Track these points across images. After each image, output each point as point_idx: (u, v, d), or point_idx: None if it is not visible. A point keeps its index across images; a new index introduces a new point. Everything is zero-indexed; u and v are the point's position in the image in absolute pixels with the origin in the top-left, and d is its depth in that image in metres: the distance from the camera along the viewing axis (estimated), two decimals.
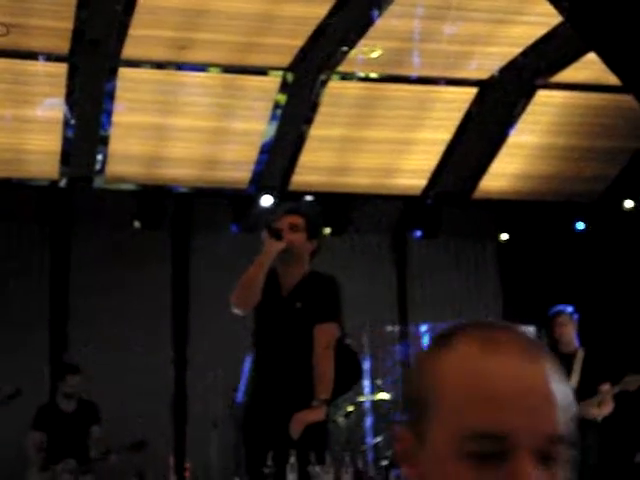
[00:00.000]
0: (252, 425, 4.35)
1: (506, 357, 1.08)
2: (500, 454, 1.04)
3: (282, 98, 8.11)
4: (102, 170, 8.54)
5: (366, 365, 9.14)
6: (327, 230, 9.29)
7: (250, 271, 4.35)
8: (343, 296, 4.52)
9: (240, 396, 4.53)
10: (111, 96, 7.90)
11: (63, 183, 8.56)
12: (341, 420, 7.25)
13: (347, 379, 4.47)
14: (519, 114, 8.62)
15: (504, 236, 9.69)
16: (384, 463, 7.66)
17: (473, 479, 1.04)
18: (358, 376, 4.64)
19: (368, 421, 9.04)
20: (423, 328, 9.70)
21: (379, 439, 8.07)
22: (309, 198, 9.14)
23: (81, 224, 8.82)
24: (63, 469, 7.07)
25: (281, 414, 4.19)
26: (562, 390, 1.11)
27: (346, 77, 8.10)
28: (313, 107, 8.26)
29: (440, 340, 1.14)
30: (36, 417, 7.41)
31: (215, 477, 7.30)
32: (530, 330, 9.48)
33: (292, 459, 3.44)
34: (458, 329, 1.14)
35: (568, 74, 8.09)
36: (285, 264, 4.41)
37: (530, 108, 8.54)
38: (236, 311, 4.41)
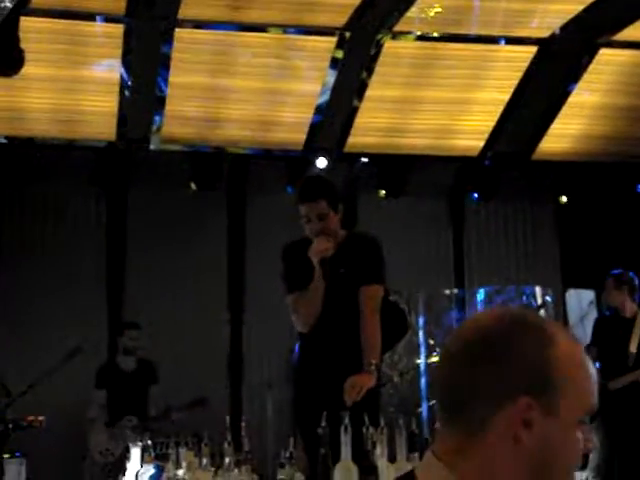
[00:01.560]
0: (305, 387, 4.36)
1: (584, 350, 1.49)
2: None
3: (338, 58, 8.02)
4: (158, 131, 8.55)
5: (421, 328, 9.11)
6: (382, 192, 9.24)
7: (307, 301, 4.33)
8: (385, 255, 4.46)
9: (295, 358, 4.53)
10: (167, 57, 7.89)
11: (120, 144, 8.60)
12: (396, 380, 7.24)
13: (394, 335, 4.46)
14: (580, 73, 8.43)
15: (563, 199, 9.53)
16: (437, 425, 7.66)
17: (581, 438, 1.41)
18: (404, 331, 4.61)
19: (423, 383, 9.02)
20: (480, 292, 9.62)
21: (434, 401, 8.05)
22: (364, 160, 9.07)
23: (137, 185, 8.87)
24: (125, 426, 7.19)
25: (333, 377, 4.19)
26: None
27: (403, 36, 7.98)
28: (369, 67, 8.16)
29: (537, 330, 1.44)
30: (97, 376, 7.54)
31: (270, 436, 7.35)
32: (589, 294, 9.40)
33: (346, 420, 3.43)
34: (547, 323, 1.46)
35: (631, 32, 7.87)
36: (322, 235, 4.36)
37: (592, 67, 8.35)
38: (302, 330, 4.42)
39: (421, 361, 8.71)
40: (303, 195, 4.38)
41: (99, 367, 7.66)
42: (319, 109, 8.47)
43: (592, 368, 1.44)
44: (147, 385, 7.53)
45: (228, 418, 3.95)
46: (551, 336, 1.41)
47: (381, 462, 3.41)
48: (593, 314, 9.00)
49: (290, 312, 4.43)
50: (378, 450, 3.44)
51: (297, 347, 4.48)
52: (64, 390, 7.59)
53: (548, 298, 9.09)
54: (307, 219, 4.34)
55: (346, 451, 3.32)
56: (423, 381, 8.97)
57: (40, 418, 6.83)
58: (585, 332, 8.76)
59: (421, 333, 9.12)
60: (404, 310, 4.77)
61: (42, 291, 8.51)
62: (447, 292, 9.53)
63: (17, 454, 7.46)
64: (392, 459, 3.43)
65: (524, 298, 9.36)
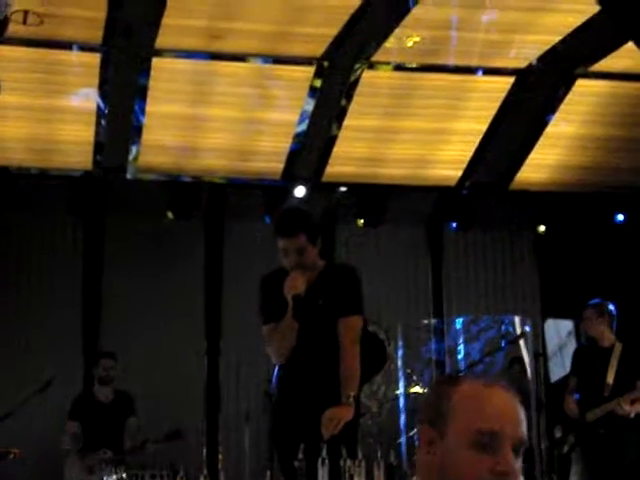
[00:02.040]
0: (283, 419, 4.30)
1: (496, 389, 1.86)
2: (493, 445, 1.79)
3: (316, 87, 8.03)
4: (135, 161, 8.51)
5: (400, 358, 9.06)
6: (361, 221, 9.23)
7: (279, 336, 4.29)
8: (364, 284, 4.42)
9: (272, 388, 4.47)
10: (144, 86, 7.87)
11: (97, 173, 8.55)
12: (375, 410, 7.18)
13: (373, 365, 4.41)
14: (557, 104, 8.48)
15: (542, 228, 9.54)
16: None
17: (476, 462, 1.79)
18: (383, 362, 4.56)
19: (401, 414, 8.96)
20: (458, 321, 9.59)
21: (413, 433, 7.98)
22: (343, 189, 9.06)
23: (114, 214, 8.81)
24: (100, 459, 7.07)
25: (311, 408, 4.13)
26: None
27: (381, 66, 7.99)
28: (347, 97, 8.17)
29: (450, 379, 1.98)
30: (72, 407, 7.43)
31: (247, 469, 7.27)
32: (568, 324, 9.40)
33: (323, 453, 3.37)
34: (463, 375, 2.00)
35: (608, 63, 7.92)
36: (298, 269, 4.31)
37: (569, 97, 8.40)
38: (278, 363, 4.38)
39: (400, 391, 8.65)
40: (281, 229, 4.32)
41: (75, 398, 7.55)
42: (297, 138, 8.47)
43: (490, 401, 1.83)
44: (124, 417, 7.42)
45: (205, 450, 3.89)
46: (456, 381, 1.89)
47: None
48: (572, 344, 9.00)
49: (265, 343, 4.37)
50: None
51: (275, 378, 4.42)
52: (39, 421, 7.50)
53: (527, 328, 9.06)
54: (285, 252, 4.29)
55: None
56: (402, 412, 8.92)
57: (15, 450, 6.74)
58: (563, 362, 8.76)
59: (400, 363, 9.08)
60: (383, 340, 4.72)
61: (17, 319, 8.43)
62: (425, 322, 9.50)
63: None
64: None
65: (503, 327, 9.34)
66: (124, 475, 3.82)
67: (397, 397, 8.58)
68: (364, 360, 4.26)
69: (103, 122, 8.08)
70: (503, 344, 8.93)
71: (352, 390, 4.14)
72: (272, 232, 4.41)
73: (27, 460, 7.07)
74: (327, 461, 3.39)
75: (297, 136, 8.45)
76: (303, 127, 8.37)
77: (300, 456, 3.70)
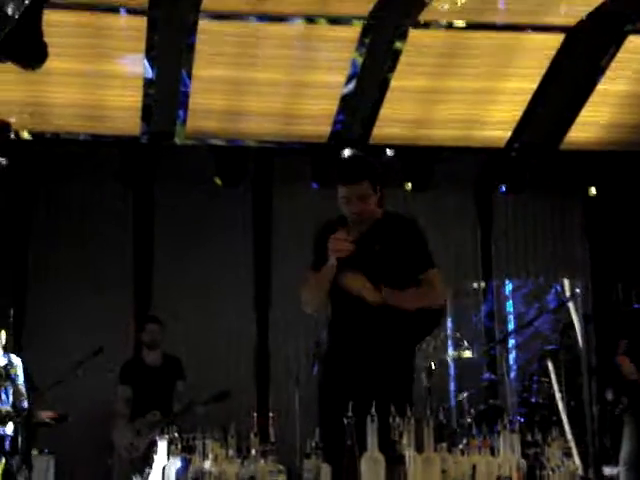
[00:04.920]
0: (333, 373, 4.27)
1: None
2: None
3: (362, 49, 7.95)
4: (183, 126, 8.52)
5: (450, 323, 9.03)
6: (409, 185, 9.15)
7: (313, 285, 4.21)
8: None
9: (322, 339, 4.44)
10: (191, 50, 7.85)
11: (144, 139, 8.57)
12: (424, 377, 7.16)
13: (426, 325, 4.34)
14: (608, 61, 8.32)
15: (592, 190, 9.40)
16: (468, 420, 7.57)
17: None
18: (437, 322, 4.50)
19: (451, 378, 8.94)
20: (508, 285, 9.52)
21: (462, 396, 7.96)
22: (390, 152, 8.99)
23: (162, 180, 8.85)
24: (148, 421, 7.17)
25: (362, 363, 4.11)
26: None
27: (429, 25, 7.89)
28: (394, 57, 8.08)
29: None
30: (122, 371, 7.52)
31: (298, 429, 7.31)
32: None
33: (372, 410, 3.36)
34: None
35: None
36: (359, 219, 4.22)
37: (619, 55, 8.24)
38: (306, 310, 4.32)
39: (449, 355, 8.61)
40: (344, 176, 4.14)
41: (124, 363, 7.65)
42: (344, 100, 8.40)
43: None
44: (173, 380, 7.50)
45: (255, 413, 3.90)
46: None
47: (408, 452, 3.33)
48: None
49: (302, 287, 4.29)
50: (405, 440, 3.37)
51: (327, 327, 4.37)
52: (91, 386, 7.59)
53: (577, 290, 8.97)
54: (347, 200, 4.14)
55: (372, 441, 3.25)
56: (451, 376, 8.90)
57: (66, 415, 6.88)
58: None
59: (449, 328, 9.04)
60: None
61: (69, 287, 8.51)
62: (475, 286, 9.44)
63: (45, 451, 7.49)
64: (419, 449, 3.36)
65: (552, 291, 9.25)
66: (175, 435, 3.85)
67: (446, 361, 8.55)
68: (419, 318, 4.21)
69: (150, 87, 8.09)
70: (552, 307, 8.86)
71: (396, 297, 4.09)
72: (319, 196, 4.33)
73: (80, 425, 7.20)
74: (376, 418, 3.36)
75: (344, 98, 8.39)
76: (350, 89, 8.30)
77: (349, 414, 3.69)
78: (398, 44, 7.96)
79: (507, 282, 9.54)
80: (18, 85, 7.90)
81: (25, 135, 8.42)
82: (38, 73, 6.52)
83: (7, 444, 6.61)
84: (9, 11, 4.43)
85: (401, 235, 4.22)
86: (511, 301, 9.50)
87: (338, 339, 4.29)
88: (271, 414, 3.70)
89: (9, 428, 6.67)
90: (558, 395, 8.32)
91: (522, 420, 7.57)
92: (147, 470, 4.06)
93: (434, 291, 4.20)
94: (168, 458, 3.81)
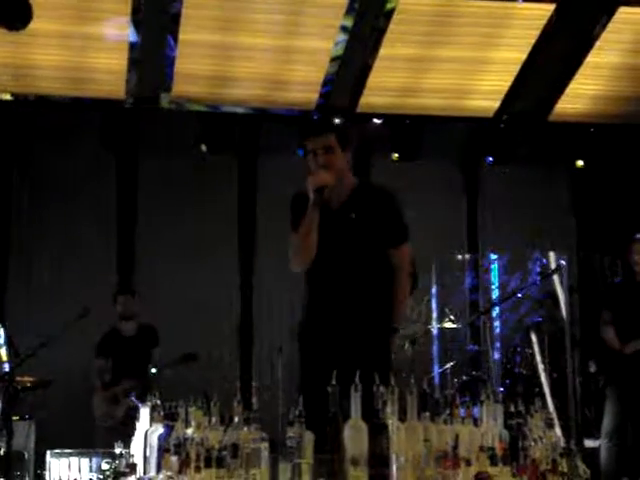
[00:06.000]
0: (314, 345, 4.25)
1: None
2: None
3: (351, 15, 7.85)
4: (168, 90, 8.42)
5: (434, 293, 9.02)
6: (396, 155, 9.10)
7: (301, 235, 4.12)
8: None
9: (303, 315, 4.41)
10: (177, 14, 7.74)
11: (128, 103, 8.47)
12: (407, 347, 7.17)
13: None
14: (598, 32, 8.25)
15: (580, 162, 9.38)
16: (450, 391, 7.58)
17: None
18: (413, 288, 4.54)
19: (435, 349, 8.95)
20: (493, 256, 9.52)
21: (446, 366, 7.96)
22: (377, 120, 8.92)
23: (147, 146, 8.76)
24: (123, 388, 7.23)
25: (343, 332, 4.09)
26: None
27: None
28: (384, 25, 7.99)
29: None
30: (99, 344, 7.56)
31: (281, 396, 7.31)
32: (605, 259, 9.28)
33: (356, 379, 3.34)
34: None
35: None
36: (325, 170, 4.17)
37: (610, 26, 8.17)
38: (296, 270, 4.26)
39: (433, 326, 8.62)
40: (310, 129, 4.21)
41: (102, 335, 7.64)
42: (331, 67, 8.32)
43: None
44: (148, 348, 7.52)
45: (238, 382, 3.87)
46: None
47: (391, 421, 3.32)
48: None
49: (289, 252, 4.24)
50: (389, 409, 3.35)
51: (305, 304, 4.34)
52: (72, 353, 7.56)
53: (562, 262, 8.97)
54: (313, 155, 4.13)
55: (356, 409, 3.23)
56: (436, 347, 8.91)
57: (48, 380, 6.83)
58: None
59: (434, 298, 9.04)
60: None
61: (51, 253, 8.46)
62: (460, 257, 9.43)
63: (26, 417, 7.45)
64: (403, 418, 3.34)
65: (537, 262, 9.25)
66: (158, 402, 3.82)
67: (430, 331, 8.55)
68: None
69: (135, 51, 7.98)
70: (537, 279, 8.86)
71: (397, 321, 4.16)
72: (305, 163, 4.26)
73: (61, 391, 7.17)
74: (359, 386, 3.34)
75: (331, 65, 8.30)
76: (337, 55, 8.21)
77: (333, 382, 3.67)
78: (388, 9, 7.86)
79: (492, 253, 9.53)
80: (1, 46, 7.78)
81: (7, 97, 8.31)
82: (22, 34, 6.45)
83: None
84: None
85: (378, 206, 4.21)
86: (496, 272, 9.50)
87: (316, 309, 4.27)
88: (254, 383, 3.68)
89: None
90: (541, 367, 8.36)
91: (505, 391, 7.59)
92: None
93: (403, 272, 4.23)
94: (151, 425, 3.79)
